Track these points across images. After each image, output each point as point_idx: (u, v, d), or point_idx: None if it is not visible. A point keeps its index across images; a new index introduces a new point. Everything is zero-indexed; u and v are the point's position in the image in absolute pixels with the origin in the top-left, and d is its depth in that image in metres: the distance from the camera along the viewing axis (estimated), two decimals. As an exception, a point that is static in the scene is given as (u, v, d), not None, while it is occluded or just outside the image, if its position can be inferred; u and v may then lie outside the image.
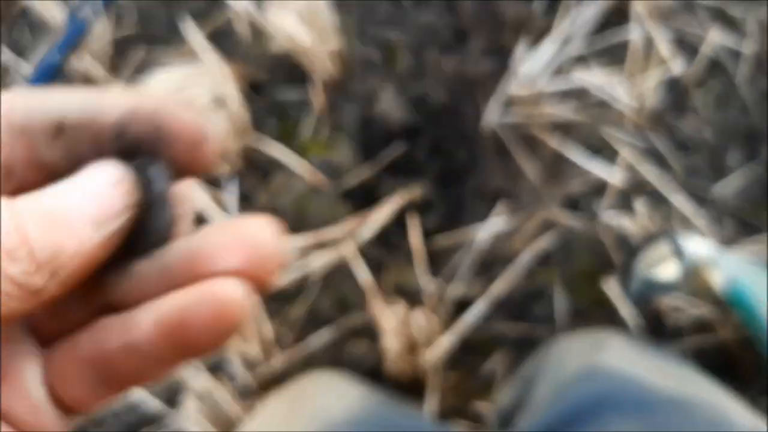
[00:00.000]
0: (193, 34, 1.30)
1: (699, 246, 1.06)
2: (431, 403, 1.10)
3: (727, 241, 1.16)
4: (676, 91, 1.26)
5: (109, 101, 0.40)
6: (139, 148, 0.40)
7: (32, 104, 0.38)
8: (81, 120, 0.40)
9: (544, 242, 1.17)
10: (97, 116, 0.40)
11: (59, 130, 0.40)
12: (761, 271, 1.07)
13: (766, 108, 1.25)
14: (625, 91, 1.24)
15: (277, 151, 1.23)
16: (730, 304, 1.03)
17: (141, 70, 1.31)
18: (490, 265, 1.17)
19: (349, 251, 1.15)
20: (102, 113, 0.40)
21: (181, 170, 0.39)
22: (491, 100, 1.25)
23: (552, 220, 1.18)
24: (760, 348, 1.02)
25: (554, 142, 1.22)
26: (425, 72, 1.28)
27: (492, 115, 1.24)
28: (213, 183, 1.22)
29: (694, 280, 1.05)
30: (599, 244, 1.17)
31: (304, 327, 1.15)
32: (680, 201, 1.19)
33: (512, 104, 1.24)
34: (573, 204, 1.20)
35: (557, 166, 1.22)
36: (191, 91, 1.20)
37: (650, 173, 1.20)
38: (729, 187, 1.20)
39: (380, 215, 1.18)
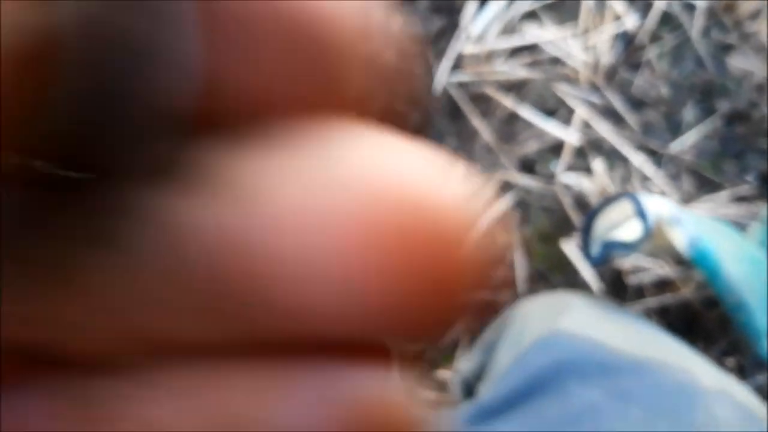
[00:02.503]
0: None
1: (660, 205, 1.03)
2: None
3: (687, 199, 1.13)
4: (630, 46, 1.23)
5: None
6: None
7: None
8: None
9: (502, 205, 1.13)
10: None
11: None
12: (723, 228, 1.04)
13: (721, 61, 1.22)
14: (579, 46, 1.20)
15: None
16: (693, 262, 1.00)
17: None
18: (445, 231, 1.13)
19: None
20: None
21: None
22: (442, 59, 1.20)
23: (508, 181, 1.14)
24: (724, 306, 0.99)
25: (508, 102, 1.18)
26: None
27: (443, 74, 1.19)
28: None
29: (655, 240, 1.02)
30: (558, 205, 1.13)
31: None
32: (638, 159, 1.16)
33: (463, 63, 1.19)
34: (529, 165, 1.16)
35: (512, 126, 1.17)
36: None
37: (607, 131, 1.17)
38: (687, 143, 1.17)
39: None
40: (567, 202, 1.13)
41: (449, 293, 0.15)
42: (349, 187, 0.14)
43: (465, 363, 0.97)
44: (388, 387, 0.15)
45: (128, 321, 0.15)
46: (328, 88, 0.16)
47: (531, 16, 1.23)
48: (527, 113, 1.17)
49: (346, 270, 0.14)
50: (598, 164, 1.15)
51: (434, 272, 0.15)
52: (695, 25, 1.23)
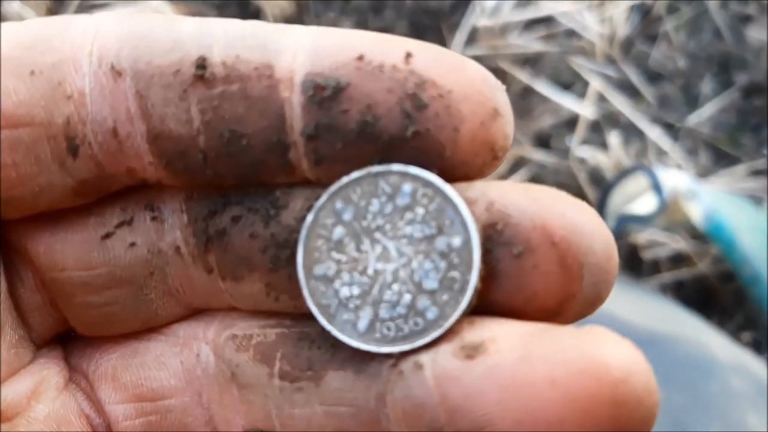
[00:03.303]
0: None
1: (676, 178, 1.02)
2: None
3: (704, 172, 1.12)
4: (646, 17, 1.21)
5: (287, 38, 0.30)
6: (364, 119, 0.30)
7: (148, 35, 0.31)
8: (239, 60, 0.30)
9: (517, 179, 1.13)
10: (271, 57, 0.30)
11: (197, 74, 0.30)
12: (739, 201, 1.03)
13: (740, 32, 1.20)
14: (594, 18, 1.19)
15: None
16: (709, 236, 1.00)
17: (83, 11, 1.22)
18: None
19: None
20: (278, 53, 0.30)
21: (450, 166, 0.30)
22: (456, 33, 1.18)
23: (523, 156, 1.14)
24: (740, 280, 0.99)
25: (523, 76, 1.16)
26: (385, 5, 1.21)
27: (457, 49, 1.18)
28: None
29: (671, 214, 1.01)
30: (572, 179, 1.13)
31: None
32: (655, 132, 1.15)
33: (478, 36, 1.18)
34: (544, 139, 1.15)
35: (527, 101, 1.16)
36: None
37: (623, 104, 1.16)
38: (704, 116, 1.16)
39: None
40: (582, 177, 1.12)
41: None
42: (566, 369, 0.27)
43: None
44: None
45: None
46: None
47: (546, -12, 1.22)
48: (542, 87, 1.16)
49: (552, 420, 0.27)
50: (613, 138, 1.14)
51: (612, 428, 0.27)
52: (713, -4, 1.22)
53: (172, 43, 0.31)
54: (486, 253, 0.31)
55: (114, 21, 0.32)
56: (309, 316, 0.34)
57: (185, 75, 0.31)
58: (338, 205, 0.33)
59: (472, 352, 0.29)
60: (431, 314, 0.32)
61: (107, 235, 0.34)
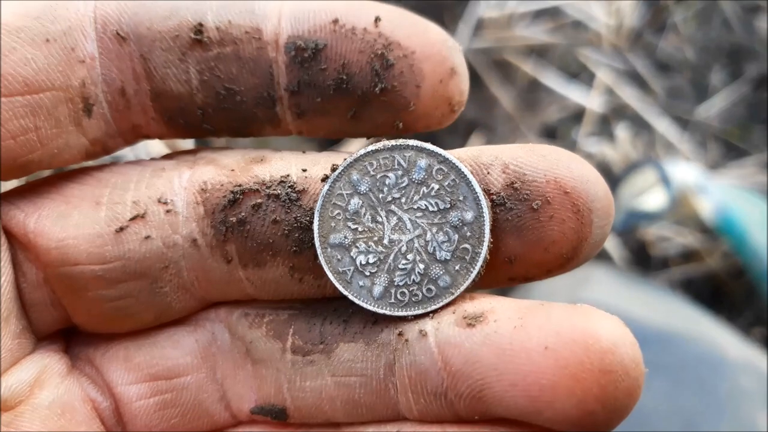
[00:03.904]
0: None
1: (685, 172, 1.00)
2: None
3: (713, 166, 1.11)
4: (655, 7, 1.19)
5: (272, 4, 0.33)
6: (339, 76, 0.33)
7: (146, 3, 0.34)
8: (231, 25, 0.33)
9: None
10: (259, 21, 0.33)
11: (195, 39, 0.33)
12: (751, 196, 1.02)
13: (749, 23, 1.18)
14: (602, 9, 1.17)
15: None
16: (718, 231, 0.98)
17: None
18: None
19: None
20: (264, 17, 0.33)
21: (413, 118, 0.34)
22: (461, 24, 1.17)
23: (529, 150, 1.12)
24: (750, 275, 0.97)
25: (529, 67, 1.15)
26: (388, -4, 1.20)
27: (462, 40, 1.16)
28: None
29: (680, 208, 1.00)
30: (580, 173, 1.11)
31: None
32: (663, 125, 1.13)
33: (483, 27, 1.16)
34: (551, 132, 1.14)
35: (533, 93, 1.15)
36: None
37: (630, 96, 1.14)
38: (713, 108, 1.14)
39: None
40: (589, 171, 1.11)
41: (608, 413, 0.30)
42: (558, 337, 0.30)
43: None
44: None
45: None
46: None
47: (552, -22, 1.20)
48: (549, 79, 1.14)
49: (545, 384, 0.30)
50: (621, 130, 1.12)
51: (600, 395, 0.30)
52: (722, -15, 1.20)
53: (169, 10, 0.34)
54: (507, 211, 0.34)
55: None
56: (325, 300, 0.37)
57: (184, 39, 0.34)
58: (355, 176, 0.35)
59: (472, 321, 0.33)
60: (443, 282, 0.35)
61: (121, 229, 0.35)
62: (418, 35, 0.34)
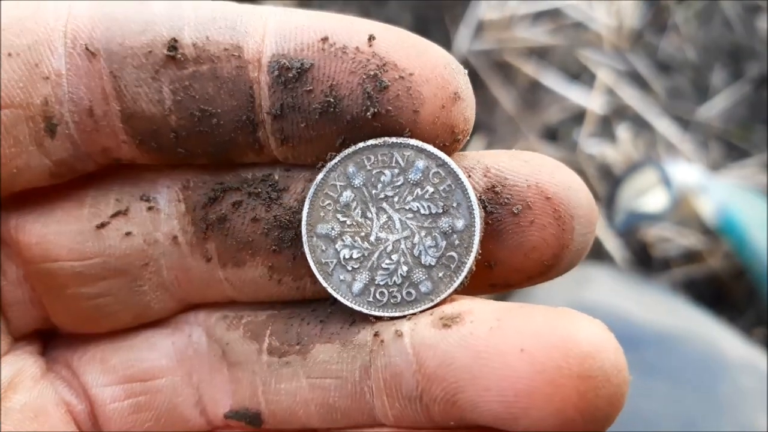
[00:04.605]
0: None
1: (686, 173, 1.00)
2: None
3: (715, 166, 1.10)
4: (656, 7, 1.19)
5: (255, 20, 0.31)
6: (326, 99, 0.31)
7: (119, 17, 0.31)
8: (209, 42, 0.31)
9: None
10: (240, 38, 0.31)
11: (168, 55, 0.31)
12: (752, 196, 1.02)
13: (750, 23, 1.18)
14: (603, 10, 1.17)
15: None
16: (720, 232, 0.98)
17: None
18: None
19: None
20: (246, 34, 0.31)
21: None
22: (461, 26, 1.17)
23: (530, 150, 1.12)
24: (752, 276, 0.97)
25: (529, 69, 1.15)
26: (389, -3, 1.20)
27: (463, 42, 1.16)
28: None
29: (681, 209, 1.00)
30: (581, 174, 1.11)
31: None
32: (664, 125, 1.13)
33: (483, 29, 1.16)
34: (552, 133, 1.14)
35: (533, 94, 1.15)
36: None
37: (631, 97, 1.14)
38: (714, 108, 1.14)
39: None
40: (590, 171, 1.11)
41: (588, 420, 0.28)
42: (535, 340, 0.29)
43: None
44: None
45: None
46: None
47: (553, -21, 1.20)
48: (550, 80, 1.14)
49: (520, 389, 0.28)
50: (622, 131, 1.12)
51: (579, 403, 0.28)
52: (723, -15, 1.20)
53: (143, 24, 0.31)
54: (488, 215, 0.33)
55: (86, 2, 0.32)
56: (305, 302, 0.36)
57: (157, 56, 0.31)
58: (351, 168, 0.34)
59: (448, 322, 0.31)
60: (424, 288, 0.34)
61: (102, 225, 0.34)
62: (418, 56, 0.31)
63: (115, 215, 0.35)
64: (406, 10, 1.19)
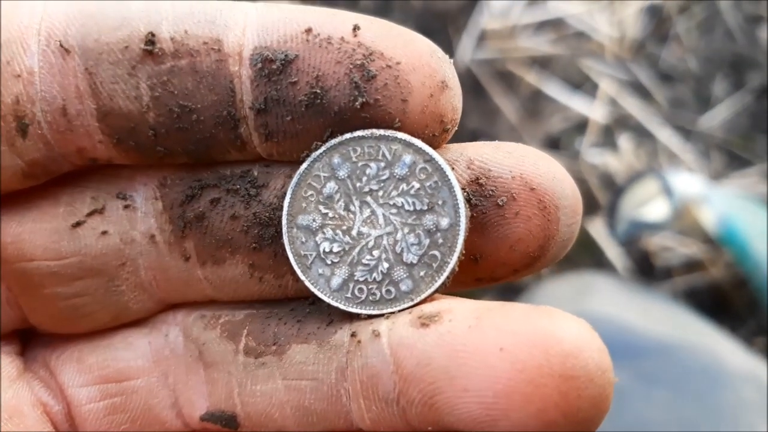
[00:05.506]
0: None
1: (688, 182, 1.01)
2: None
3: (716, 176, 1.11)
4: (657, 18, 1.20)
5: (235, 13, 0.30)
6: (312, 91, 0.30)
7: (96, 14, 0.31)
8: (187, 36, 0.30)
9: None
10: (219, 32, 0.30)
11: (146, 50, 0.30)
12: (753, 206, 1.02)
13: (752, 33, 1.18)
14: (605, 20, 1.17)
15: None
16: (721, 241, 0.98)
17: None
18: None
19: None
20: (226, 27, 0.30)
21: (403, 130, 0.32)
22: (464, 35, 1.17)
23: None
24: (753, 286, 0.97)
25: (532, 78, 1.15)
26: (392, 6, 1.20)
27: (465, 51, 1.17)
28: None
29: (683, 218, 1.00)
30: (583, 183, 1.12)
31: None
32: (666, 135, 1.13)
33: (486, 39, 1.17)
34: (554, 142, 1.14)
35: (536, 103, 1.15)
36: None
37: (633, 107, 1.14)
38: (716, 118, 1.15)
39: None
40: (593, 181, 1.11)
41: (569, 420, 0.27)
42: (515, 338, 0.28)
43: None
44: None
45: None
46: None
47: (556, -11, 1.20)
48: (552, 90, 1.15)
49: (499, 389, 0.27)
50: (624, 141, 1.12)
51: (561, 403, 0.27)
52: (725, -4, 1.20)
53: (120, 20, 0.31)
54: (472, 208, 0.32)
55: (62, 0, 0.32)
56: (285, 301, 0.35)
57: (134, 51, 0.31)
58: (336, 159, 0.33)
59: (427, 321, 0.30)
60: (405, 286, 0.33)
61: (78, 224, 0.34)
62: (404, 45, 0.30)
63: (90, 214, 0.34)
64: (409, 19, 1.19)
